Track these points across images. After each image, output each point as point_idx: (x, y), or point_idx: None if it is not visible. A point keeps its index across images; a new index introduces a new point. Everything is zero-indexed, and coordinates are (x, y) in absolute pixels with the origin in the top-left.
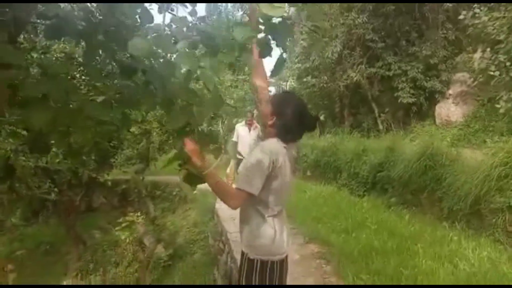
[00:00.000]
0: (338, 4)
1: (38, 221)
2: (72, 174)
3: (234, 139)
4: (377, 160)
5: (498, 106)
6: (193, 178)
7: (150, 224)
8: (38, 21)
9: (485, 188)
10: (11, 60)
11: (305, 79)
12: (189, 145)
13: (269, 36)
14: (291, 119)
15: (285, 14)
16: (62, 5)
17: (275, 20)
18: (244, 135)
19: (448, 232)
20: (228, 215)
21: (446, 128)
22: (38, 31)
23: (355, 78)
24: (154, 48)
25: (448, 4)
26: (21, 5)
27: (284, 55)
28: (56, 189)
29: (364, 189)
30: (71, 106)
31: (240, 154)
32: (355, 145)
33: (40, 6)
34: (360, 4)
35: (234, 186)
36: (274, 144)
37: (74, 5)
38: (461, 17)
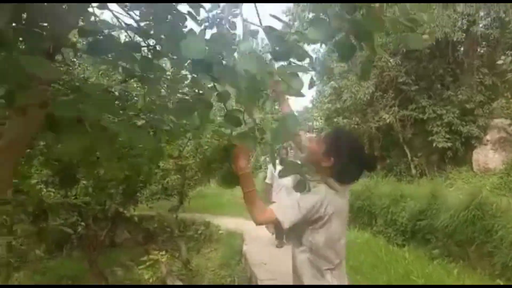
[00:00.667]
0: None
1: (62, 255)
2: (99, 208)
3: (268, 180)
4: (418, 207)
5: None
6: (230, 177)
7: (183, 268)
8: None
9: None
10: (48, 75)
11: (335, 119)
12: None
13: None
14: (350, 159)
15: None
16: (101, 17)
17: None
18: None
19: None
20: (258, 260)
21: (484, 175)
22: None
23: (387, 120)
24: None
25: (483, 48)
26: (60, 19)
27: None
28: (82, 223)
29: (403, 238)
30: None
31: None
32: (391, 190)
33: (80, 22)
34: (393, 46)
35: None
36: (327, 191)
37: (116, 20)
38: (499, 62)
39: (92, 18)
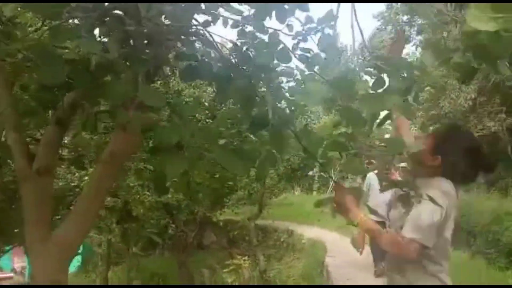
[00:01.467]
0: None
1: (155, 253)
2: (188, 211)
3: (364, 189)
4: None
5: None
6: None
7: (260, 277)
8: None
9: None
10: (152, 102)
11: (431, 128)
12: (341, 191)
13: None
14: (463, 157)
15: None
16: (198, 45)
17: None
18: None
19: None
20: (341, 274)
21: None
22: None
23: (492, 128)
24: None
25: None
26: (161, 43)
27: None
28: (173, 225)
29: (507, 261)
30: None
31: (370, 209)
32: (494, 206)
33: (179, 46)
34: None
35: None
36: (446, 184)
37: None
38: None
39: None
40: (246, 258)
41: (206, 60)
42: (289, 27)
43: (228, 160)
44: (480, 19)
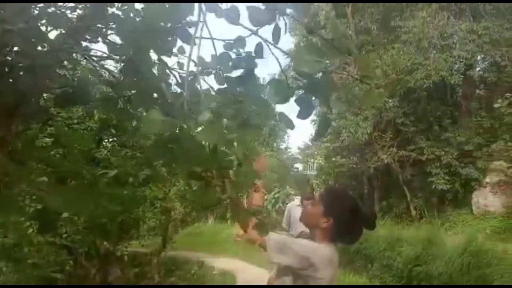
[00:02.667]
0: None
1: None
2: (89, 245)
3: (284, 224)
4: (414, 252)
5: None
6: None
7: None
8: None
9: None
10: None
11: (334, 159)
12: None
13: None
14: (351, 220)
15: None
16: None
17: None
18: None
19: None
20: None
21: (484, 218)
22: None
23: (386, 160)
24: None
25: (480, 91)
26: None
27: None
28: (71, 261)
29: (399, 284)
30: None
31: None
32: (388, 233)
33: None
34: (391, 88)
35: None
36: (335, 255)
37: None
38: (496, 105)
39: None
40: None
41: (83, 84)
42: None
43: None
44: (304, 63)
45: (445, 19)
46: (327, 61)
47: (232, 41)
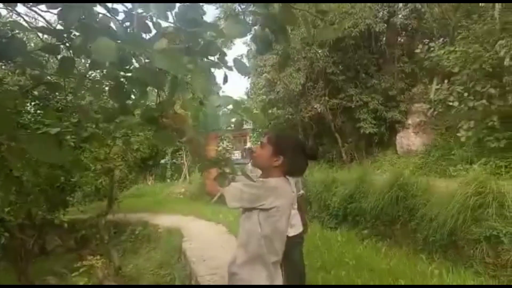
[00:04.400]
0: (300, 38)
1: None
2: (24, 215)
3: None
4: (347, 191)
5: (459, 134)
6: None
7: (115, 274)
8: None
9: (460, 218)
10: None
11: (270, 111)
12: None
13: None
14: (297, 155)
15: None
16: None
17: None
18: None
19: (427, 265)
20: (198, 256)
21: (407, 157)
22: None
23: (319, 110)
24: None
25: (402, 38)
26: None
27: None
28: (6, 233)
29: (335, 222)
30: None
31: None
32: (324, 177)
33: None
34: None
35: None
36: (283, 184)
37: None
38: (417, 50)
39: None
40: (98, 257)
41: (18, 37)
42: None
43: (40, 148)
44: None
45: None
46: None
47: None
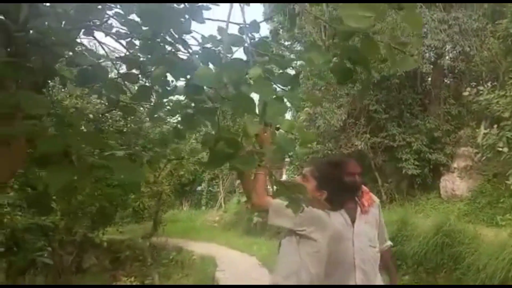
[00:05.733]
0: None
1: (24, 281)
2: (66, 232)
3: None
4: (389, 233)
5: (508, 182)
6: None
7: None
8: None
9: None
10: (36, 110)
11: (309, 145)
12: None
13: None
14: (340, 188)
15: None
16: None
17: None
18: None
19: None
20: None
21: (451, 201)
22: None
23: (359, 147)
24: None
25: (449, 80)
26: (49, 52)
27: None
28: (49, 248)
29: None
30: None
31: None
32: None
33: (69, 54)
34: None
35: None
36: (326, 217)
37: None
38: (465, 93)
39: (79, 48)
40: (133, 279)
41: (101, 63)
42: (184, 43)
43: (123, 167)
44: (353, 18)
45: (418, 9)
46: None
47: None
